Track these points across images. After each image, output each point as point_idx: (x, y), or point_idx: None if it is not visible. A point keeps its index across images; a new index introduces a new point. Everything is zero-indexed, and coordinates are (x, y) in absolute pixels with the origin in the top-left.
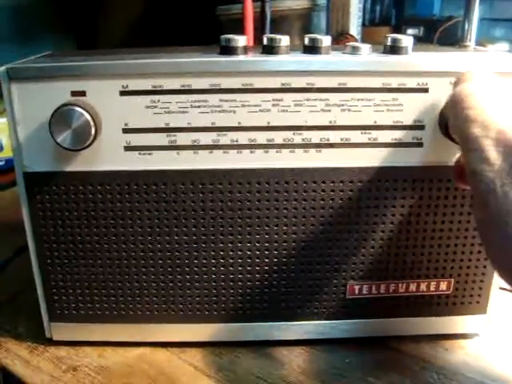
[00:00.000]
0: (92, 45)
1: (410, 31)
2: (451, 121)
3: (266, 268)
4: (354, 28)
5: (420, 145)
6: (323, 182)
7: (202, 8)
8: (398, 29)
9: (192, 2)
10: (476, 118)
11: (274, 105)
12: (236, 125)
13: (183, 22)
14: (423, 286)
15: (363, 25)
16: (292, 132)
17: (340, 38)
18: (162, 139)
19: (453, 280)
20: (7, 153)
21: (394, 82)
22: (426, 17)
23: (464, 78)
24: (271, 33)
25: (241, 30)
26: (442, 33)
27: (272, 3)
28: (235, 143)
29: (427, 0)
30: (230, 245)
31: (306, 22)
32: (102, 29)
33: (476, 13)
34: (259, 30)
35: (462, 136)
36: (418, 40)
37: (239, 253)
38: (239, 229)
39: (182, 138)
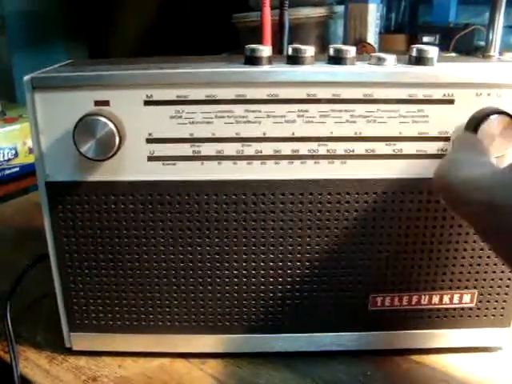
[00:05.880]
0: (104, 51)
1: (425, 39)
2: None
3: (289, 279)
4: (372, 36)
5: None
6: (348, 194)
7: (218, 15)
8: (414, 36)
9: (207, 10)
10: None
11: (299, 115)
12: (261, 135)
13: (198, 30)
14: (446, 299)
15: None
16: (317, 143)
17: (358, 46)
18: (186, 149)
19: (476, 292)
20: (22, 159)
21: (420, 94)
22: (442, 24)
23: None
24: (289, 41)
25: (258, 38)
26: (458, 40)
27: (289, 11)
28: (260, 154)
29: (443, 7)
30: (252, 256)
31: (323, 30)
32: (114, 36)
33: (501, 22)
34: (276, 38)
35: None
36: None
37: (262, 264)
38: (262, 240)
39: (207, 149)
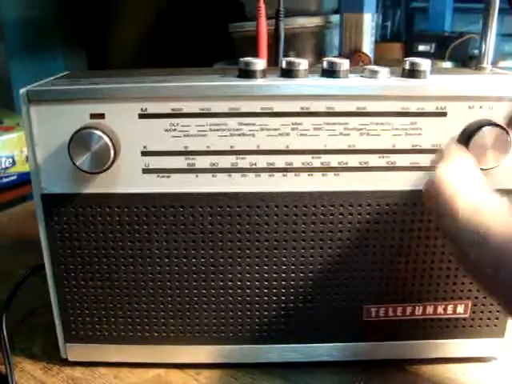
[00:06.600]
0: (103, 60)
1: (421, 47)
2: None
3: (283, 291)
4: (367, 45)
5: None
6: (341, 206)
7: (215, 25)
8: (410, 45)
9: (204, 19)
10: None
11: (293, 129)
12: (255, 148)
13: (195, 38)
14: (440, 309)
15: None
16: (311, 156)
17: (353, 56)
18: (180, 162)
19: (470, 302)
20: (19, 167)
21: (413, 106)
22: (438, 33)
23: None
24: (284, 51)
25: (253, 48)
26: (453, 49)
27: (285, 21)
28: (254, 167)
29: (438, 16)
30: (247, 268)
31: (318, 40)
32: (112, 43)
33: (493, 33)
34: (272, 47)
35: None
36: (430, 56)
37: (256, 275)
38: (256, 252)
39: (201, 161)
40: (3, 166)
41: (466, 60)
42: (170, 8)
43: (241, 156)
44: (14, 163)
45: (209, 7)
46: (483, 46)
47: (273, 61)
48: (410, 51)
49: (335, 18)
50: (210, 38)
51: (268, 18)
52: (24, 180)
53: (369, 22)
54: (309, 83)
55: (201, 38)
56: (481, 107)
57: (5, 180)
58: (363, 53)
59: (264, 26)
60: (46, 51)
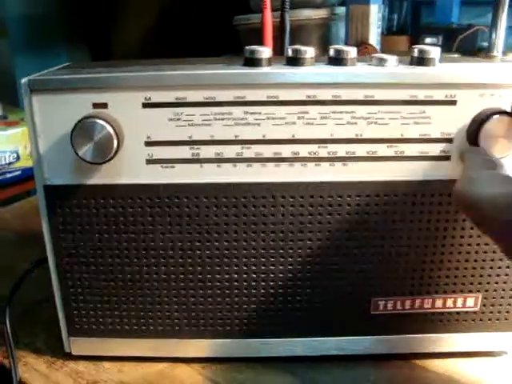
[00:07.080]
0: (106, 55)
1: (428, 40)
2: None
3: (289, 283)
4: (374, 37)
5: (448, 158)
6: (349, 196)
7: (219, 18)
8: (416, 37)
9: (209, 12)
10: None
11: (299, 117)
12: (260, 138)
13: (200, 32)
14: (450, 302)
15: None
16: (317, 145)
17: (359, 48)
18: (184, 152)
19: (480, 295)
20: (23, 162)
21: (422, 94)
22: (445, 25)
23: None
24: (290, 43)
25: (258, 40)
26: (461, 41)
27: (290, 13)
28: (259, 156)
29: (445, 8)
30: (252, 259)
31: (324, 32)
32: (116, 39)
33: (504, 22)
34: (277, 40)
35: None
36: None
37: (262, 268)
38: (262, 243)
39: (206, 151)
40: (7, 161)
41: (474, 52)
42: (173, 2)
43: (246, 146)
44: (18, 158)
45: (213, 0)
46: (493, 36)
47: (278, 53)
48: (417, 44)
49: (341, 10)
50: (214, 32)
51: (273, 9)
52: (28, 175)
53: (375, 13)
54: (315, 71)
55: (205, 31)
56: (492, 95)
57: (9, 175)
58: (370, 44)
59: (269, 18)
60: (49, 48)
